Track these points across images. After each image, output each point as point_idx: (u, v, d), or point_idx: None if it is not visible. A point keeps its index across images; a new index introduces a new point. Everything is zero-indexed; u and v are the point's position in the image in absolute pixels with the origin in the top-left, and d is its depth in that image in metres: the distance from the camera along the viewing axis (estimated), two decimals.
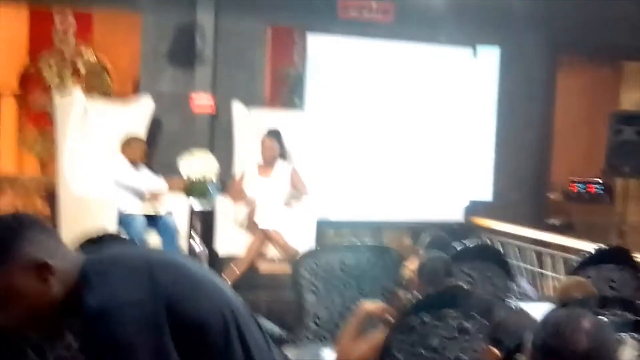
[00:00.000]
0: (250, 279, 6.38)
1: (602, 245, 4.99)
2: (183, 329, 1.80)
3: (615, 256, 4.79)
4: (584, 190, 10.13)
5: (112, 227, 5.89)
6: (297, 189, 6.77)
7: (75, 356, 2.51)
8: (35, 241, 1.78)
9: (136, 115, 6.97)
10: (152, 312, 1.77)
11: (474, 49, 8.01)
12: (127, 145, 6.60)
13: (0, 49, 8.11)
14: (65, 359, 2.56)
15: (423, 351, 3.10)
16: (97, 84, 8.47)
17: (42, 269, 1.77)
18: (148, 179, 6.65)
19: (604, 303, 3.08)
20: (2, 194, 7.74)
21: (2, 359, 2.48)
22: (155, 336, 1.76)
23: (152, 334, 1.76)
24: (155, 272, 1.84)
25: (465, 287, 3.91)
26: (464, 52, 8.01)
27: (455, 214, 7.92)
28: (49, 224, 1.93)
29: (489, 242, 6.96)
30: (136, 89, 7.77)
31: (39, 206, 7.60)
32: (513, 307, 4.14)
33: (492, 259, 4.78)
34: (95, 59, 8.55)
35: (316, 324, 4.29)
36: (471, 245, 4.78)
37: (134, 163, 6.57)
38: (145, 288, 1.79)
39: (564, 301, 3.27)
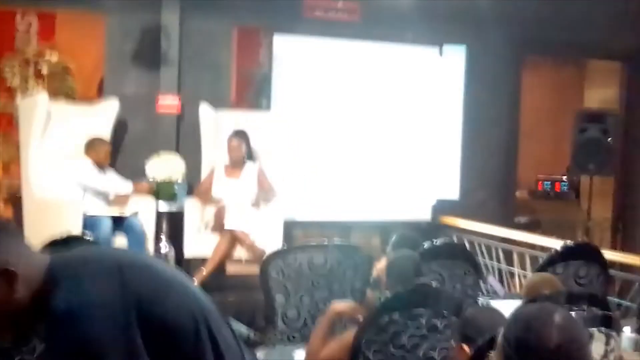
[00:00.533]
0: (218, 280, 6.35)
1: (569, 242, 5.03)
2: (153, 329, 1.78)
3: (582, 252, 4.84)
4: (550, 188, 10.26)
5: (77, 229, 5.82)
6: (264, 191, 6.74)
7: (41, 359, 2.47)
8: None
9: (101, 117, 6.90)
10: (122, 313, 1.75)
11: (440, 48, 8.04)
12: (92, 147, 6.53)
13: None
14: None
15: (393, 350, 3.09)
16: (60, 85, 8.35)
17: (5, 276, 1.73)
18: (114, 181, 6.58)
19: (572, 299, 3.10)
20: None
21: None
22: (125, 337, 1.74)
23: (121, 334, 1.74)
24: (125, 273, 1.83)
25: (434, 285, 3.93)
26: (430, 51, 8.04)
27: (423, 213, 7.94)
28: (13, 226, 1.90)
29: (456, 240, 7.00)
30: (101, 91, 7.69)
31: (2, 209, 7.50)
32: (482, 304, 4.16)
33: (461, 256, 4.81)
34: (59, 60, 8.43)
35: (285, 324, 4.27)
36: (439, 244, 4.80)
37: (99, 165, 6.51)
38: (115, 289, 1.78)
39: (531, 297, 3.28)
